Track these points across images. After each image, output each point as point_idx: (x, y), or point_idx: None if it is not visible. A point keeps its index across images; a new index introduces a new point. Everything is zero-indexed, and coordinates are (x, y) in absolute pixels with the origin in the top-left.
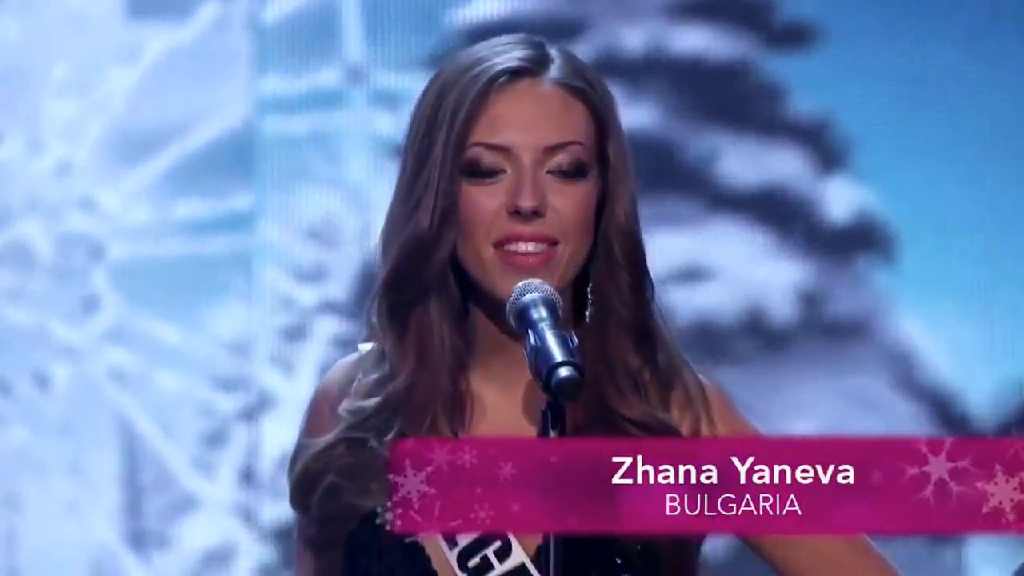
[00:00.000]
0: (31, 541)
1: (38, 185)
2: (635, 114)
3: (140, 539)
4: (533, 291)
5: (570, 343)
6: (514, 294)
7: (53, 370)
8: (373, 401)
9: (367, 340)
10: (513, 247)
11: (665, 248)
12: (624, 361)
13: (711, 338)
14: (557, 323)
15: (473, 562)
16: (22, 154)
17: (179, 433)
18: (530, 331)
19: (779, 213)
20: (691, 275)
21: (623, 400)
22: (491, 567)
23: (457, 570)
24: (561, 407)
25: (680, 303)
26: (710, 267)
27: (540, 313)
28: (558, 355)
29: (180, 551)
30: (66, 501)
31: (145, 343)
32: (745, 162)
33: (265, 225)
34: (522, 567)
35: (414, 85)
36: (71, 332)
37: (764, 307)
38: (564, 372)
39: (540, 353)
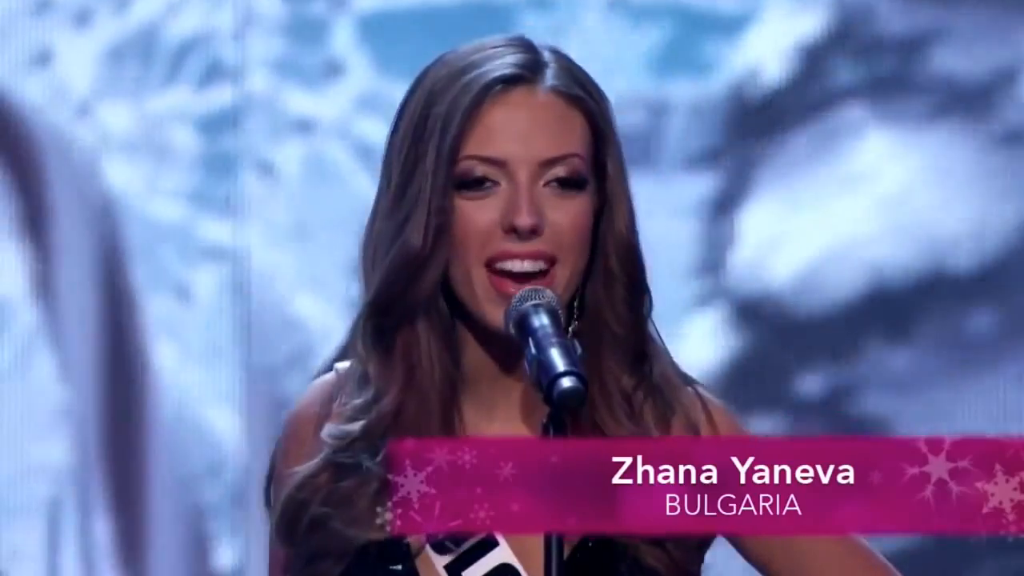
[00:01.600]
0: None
1: (178, 55)
2: None
3: None
4: (534, 298)
5: (573, 352)
6: (514, 301)
7: (197, 278)
8: (358, 425)
9: (341, 359)
10: (508, 265)
11: None
12: (618, 382)
13: None
14: (559, 331)
15: None
16: (159, 17)
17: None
18: (530, 340)
19: None
20: None
21: (618, 425)
22: None
23: None
24: (563, 420)
25: None
26: None
27: (541, 320)
28: (560, 365)
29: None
30: (219, 439)
31: (307, 243)
32: None
33: None
34: None
35: None
36: (220, 230)
37: None
38: (567, 383)
39: (541, 363)
